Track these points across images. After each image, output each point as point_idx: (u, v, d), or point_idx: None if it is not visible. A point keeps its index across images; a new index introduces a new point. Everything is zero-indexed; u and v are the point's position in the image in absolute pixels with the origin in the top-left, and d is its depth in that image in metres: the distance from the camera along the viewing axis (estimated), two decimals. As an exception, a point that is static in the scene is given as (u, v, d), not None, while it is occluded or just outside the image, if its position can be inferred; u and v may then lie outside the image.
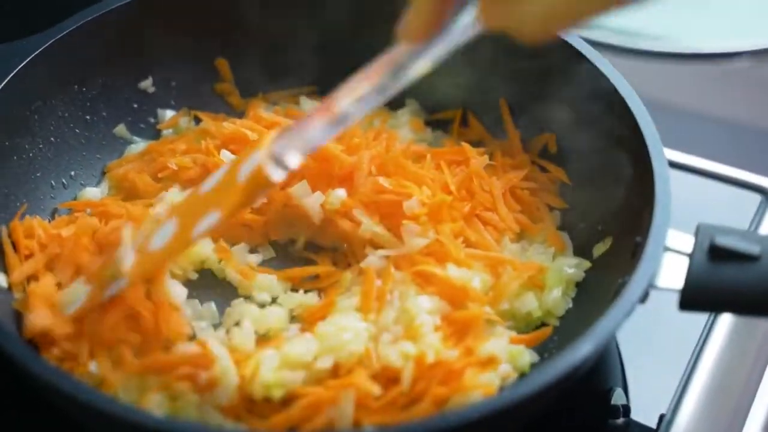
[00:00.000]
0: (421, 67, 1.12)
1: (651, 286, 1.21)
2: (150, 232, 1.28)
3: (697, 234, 1.22)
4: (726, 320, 1.45)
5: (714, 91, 1.94)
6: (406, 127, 1.56)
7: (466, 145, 1.48)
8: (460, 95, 1.58)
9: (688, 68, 1.94)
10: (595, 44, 1.91)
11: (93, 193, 1.49)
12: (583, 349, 1.13)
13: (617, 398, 1.39)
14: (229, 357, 1.25)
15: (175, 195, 1.43)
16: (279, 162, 1.18)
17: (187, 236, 1.24)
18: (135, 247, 1.27)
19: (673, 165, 1.62)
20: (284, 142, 1.18)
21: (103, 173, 1.54)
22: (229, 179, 1.20)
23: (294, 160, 1.19)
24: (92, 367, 1.25)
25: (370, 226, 1.38)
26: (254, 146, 1.20)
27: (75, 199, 1.49)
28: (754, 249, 1.18)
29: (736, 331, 1.44)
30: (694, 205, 1.58)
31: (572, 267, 1.40)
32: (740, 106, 1.92)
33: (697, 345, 1.43)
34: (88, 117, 1.53)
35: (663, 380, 1.42)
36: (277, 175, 1.18)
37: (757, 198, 1.59)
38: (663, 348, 1.47)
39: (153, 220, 1.33)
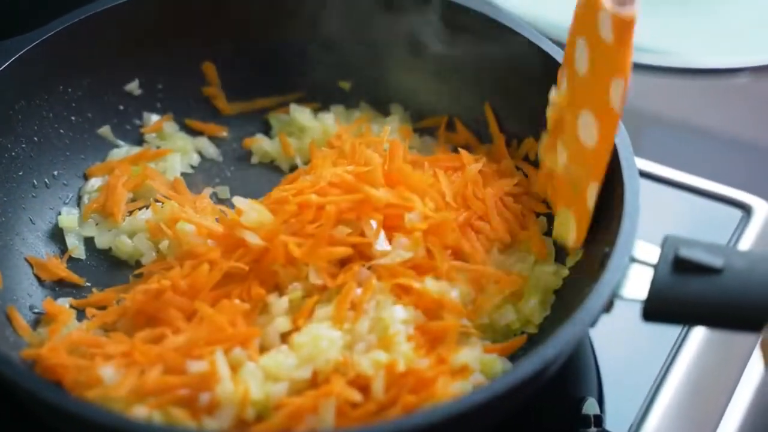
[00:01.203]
0: None
1: (616, 296, 1.21)
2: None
3: (663, 245, 1.22)
4: (700, 331, 1.44)
5: (714, 106, 1.93)
6: (395, 134, 1.56)
7: (463, 152, 1.47)
8: (444, 101, 1.59)
9: (689, 83, 1.93)
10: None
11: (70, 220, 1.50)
12: (536, 360, 1.14)
13: (588, 408, 1.39)
14: (230, 378, 1.23)
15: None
16: (619, 1, 1.21)
17: (610, 112, 1.25)
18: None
19: (659, 179, 1.63)
20: None
21: (85, 176, 1.55)
22: (598, 45, 1.23)
23: None
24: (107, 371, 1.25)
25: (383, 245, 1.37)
26: (587, 8, 1.24)
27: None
28: (716, 262, 1.18)
29: (709, 342, 1.44)
30: (676, 220, 1.59)
31: (550, 274, 1.40)
32: (740, 122, 1.91)
33: (668, 357, 1.43)
34: (73, 118, 1.54)
35: (642, 391, 1.41)
36: (630, 10, 1.20)
37: (738, 214, 1.58)
38: (642, 358, 1.46)
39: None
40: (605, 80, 1.23)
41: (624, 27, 1.20)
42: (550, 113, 1.37)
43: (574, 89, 1.32)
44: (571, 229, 1.35)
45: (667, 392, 1.40)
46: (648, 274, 1.21)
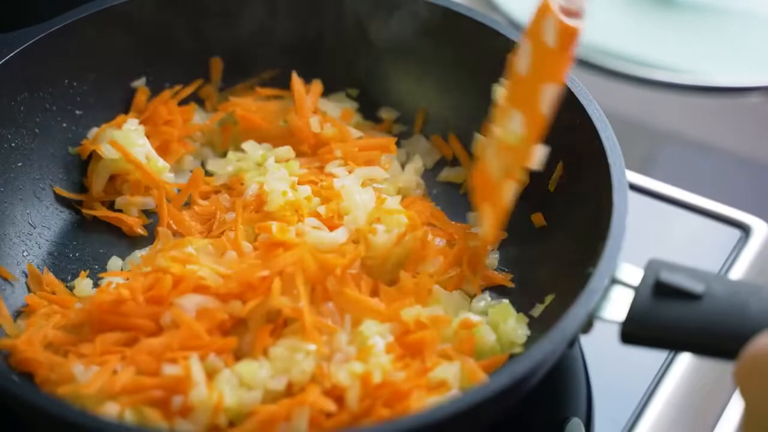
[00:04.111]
0: None
1: (595, 317, 1.21)
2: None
3: (646, 269, 1.21)
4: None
5: (725, 125, 1.93)
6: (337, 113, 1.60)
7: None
8: (445, 113, 1.60)
9: (701, 101, 1.93)
10: (609, 72, 1.93)
11: None
12: (504, 378, 1.14)
13: (572, 428, 1.38)
14: (205, 383, 1.24)
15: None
16: (568, 12, 1.23)
17: (538, 116, 1.27)
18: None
19: (660, 197, 1.62)
20: None
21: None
22: (540, 49, 1.25)
23: (581, 3, 1.23)
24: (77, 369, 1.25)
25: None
26: (539, 12, 1.25)
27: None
28: (697, 288, 1.17)
29: (699, 361, 1.44)
30: (674, 238, 1.59)
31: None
32: (750, 142, 1.91)
33: (655, 377, 1.43)
34: (78, 112, 1.55)
35: (630, 409, 1.41)
36: (577, 23, 1.22)
37: (737, 234, 1.57)
38: (635, 376, 1.45)
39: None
40: (540, 83, 1.26)
41: (567, 35, 1.22)
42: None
43: (513, 87, 1.33)
44: (485, 224, 1.37)
45: (654, 409, 1.40)
46: (629, 297, 1.20)
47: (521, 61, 1.29)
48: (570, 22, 1.22)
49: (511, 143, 1.30)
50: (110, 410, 1.21)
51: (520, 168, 1.31)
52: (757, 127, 1.93)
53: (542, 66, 1.26)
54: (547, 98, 1.25)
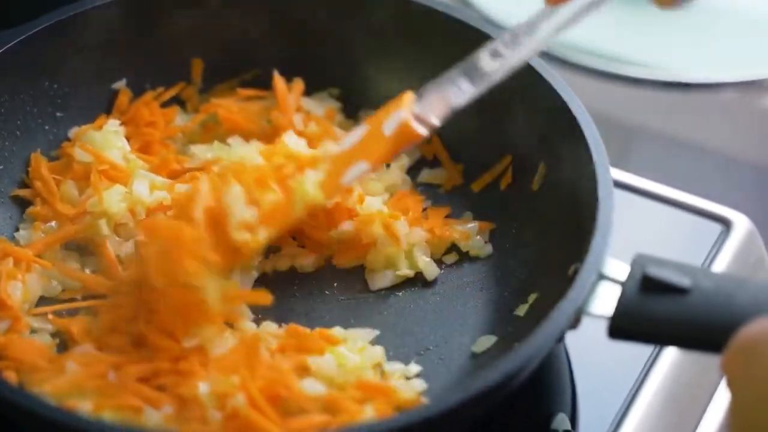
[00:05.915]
0: (563, 23, 1.29)
1: (583, 312, 1.22)
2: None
3: (632, 264, 1.22)
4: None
5: (698, 120, 1.94)
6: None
7: None
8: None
9: (674, 97, 1.94)
10: (582, 69, 1.94)
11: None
12: (494, 374, 1.15)
13: (558, 424, 1.39)
14: None
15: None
16: (420, 120, 1.27)
17: (336, 183, 1.30)
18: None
19: (639, 192, 1.63)
20: (425, 101, 1.28)
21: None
22: (374, 133, 1.29)
23: (435, 119, 1.28)
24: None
25: None
26: (396, 105, 1.29)
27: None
28: (684, 282, 1.18)
29: (685, 354, 1.44)
30: (655, 233, 1.59)
31: None
32: (723, 137, 1.92)
33: (641, 372, 1.43)
34: (58, 114, 1.54)
35: (617, 403, 1.41)
36: (422, 130, 1.27)
37: (718, 228, 1.58)
38: (620, 369, 1.45)
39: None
40: (353, 158, 1.30)
41: (405, 134, 1.27)
42: None
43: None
44: None
45: (641, 404, 1.40)
46: (616, 292, 1.21)
47: (347, 140, 1.32)
48: (415, 125, 1.27)
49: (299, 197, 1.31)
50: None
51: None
52: (731, 122, 1.95)
53: (366, 146, 1.29)
54: (354, 172, 1.30)
